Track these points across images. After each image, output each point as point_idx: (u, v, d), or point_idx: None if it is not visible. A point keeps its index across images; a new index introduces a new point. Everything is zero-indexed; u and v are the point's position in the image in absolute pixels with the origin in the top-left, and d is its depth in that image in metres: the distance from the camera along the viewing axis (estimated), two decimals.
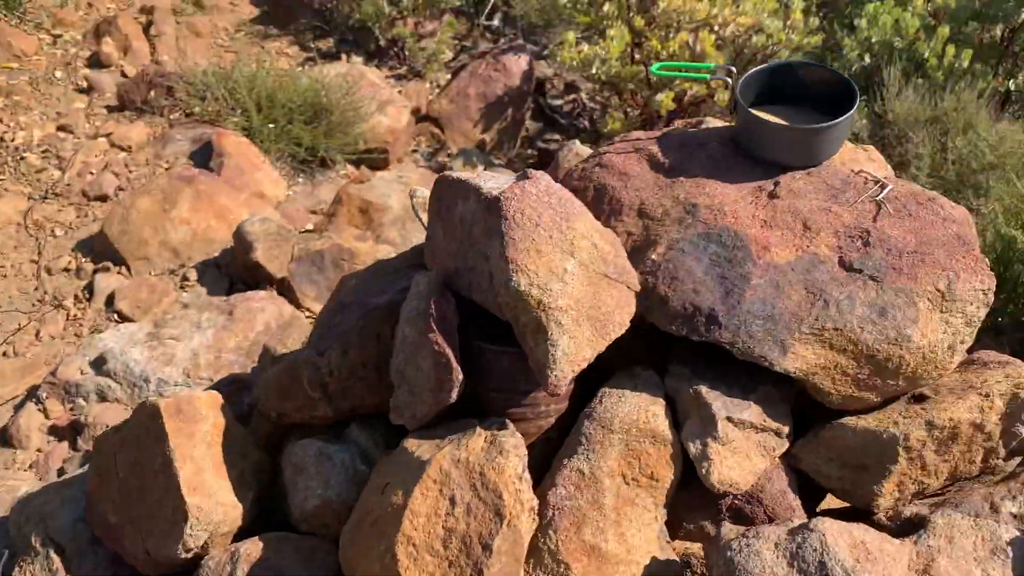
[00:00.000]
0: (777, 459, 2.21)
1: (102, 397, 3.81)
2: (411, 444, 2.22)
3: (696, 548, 2.21)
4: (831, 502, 2.44)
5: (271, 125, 6.10)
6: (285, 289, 4.48)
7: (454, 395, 2.18)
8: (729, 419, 2.12)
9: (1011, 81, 6.13)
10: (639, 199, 2.47)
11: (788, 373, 2.12)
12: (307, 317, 4.40)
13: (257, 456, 2.66)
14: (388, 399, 2.46)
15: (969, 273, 2.17)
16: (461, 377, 2.17)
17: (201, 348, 3.93)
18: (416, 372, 2.25)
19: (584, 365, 2.10)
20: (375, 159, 6.67)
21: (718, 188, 2.42)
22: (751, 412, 2.15)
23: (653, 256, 2.29)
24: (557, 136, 8.19)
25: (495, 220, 2.12)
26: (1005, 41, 6.24)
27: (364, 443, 2.50)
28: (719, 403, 2.13)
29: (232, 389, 3.80)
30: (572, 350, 2.07)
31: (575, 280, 2.11)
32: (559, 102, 8.29)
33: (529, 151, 7.91)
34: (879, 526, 2.17)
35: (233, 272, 4.76)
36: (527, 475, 2.08)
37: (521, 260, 2.07)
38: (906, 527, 2.12)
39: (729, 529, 1.97)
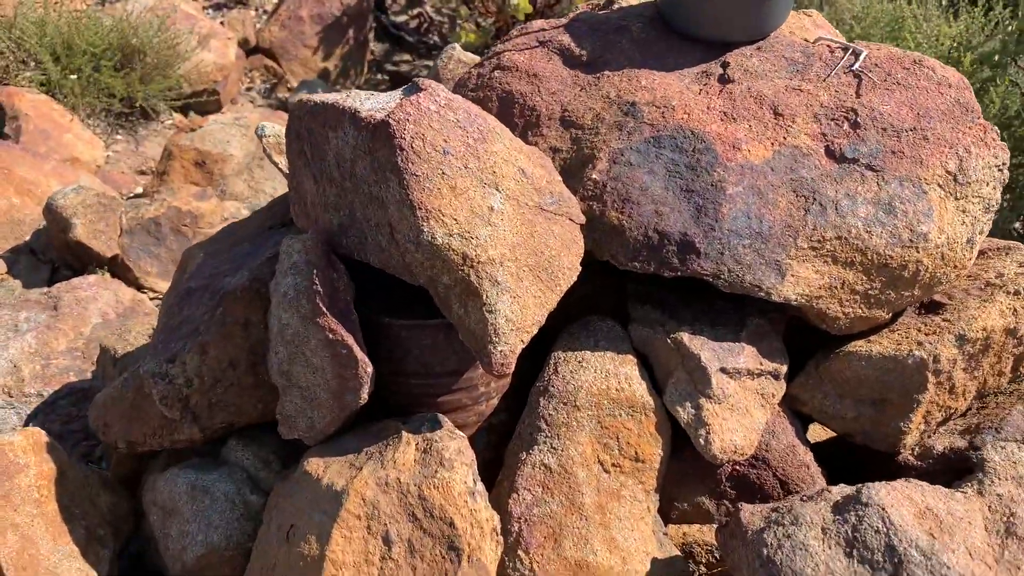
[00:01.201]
0: (776, 406, 1.79)
1: None
2: (314, 466, 1.66)
3: (695, 532, 1.78)
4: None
5: (74, 76, 5.17)
6: (120, 269, 3.73)
7: (364, 395, 1.63)
8: (723, 370, 1.67)
9: None
10: (559, 105, 1.93)
11: (788, 302, 1.67)
12: (153, 299, 3.68)
13: (109, 499, 2.04)
14: (274, 404, 1.88)
15: (980, 147, 1.76)
16: (371, 370, 1.62)
17: (22, 356, 3.18)
18: (307, 371, 1.68)
19: (535, 330, 1.59)
20: (205, 103, 5.82)
21: (655, 79, 1.91)
22: (746, 356, 1.70)
23: (594, 175, 1.77)
24: (407, 56, 7.49)
25: (386, 152, 1.55)
26: None
27: (250, 465, 1.92)
28: (708, 352, 1.67)
29: (71, 401, 3.11)
30: (517, 313, 1.55)
31: (506, 220, 1.58)
32: (403, 18, 7.57)
33: (379, 76, 7.19)
34: (906, 468, 1.79)
35: (53, 257, 3.96)
36: (480, 487, 1.57)
37: (432, 203, 1.52)
38: (940, 465, 1.74)
39: (750, 513, 1.53)
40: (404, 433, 1.61)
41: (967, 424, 1.80)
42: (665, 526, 1.77)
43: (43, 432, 1.97)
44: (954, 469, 1.74)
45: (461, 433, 1.64)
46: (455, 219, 1.52)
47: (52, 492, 1.90)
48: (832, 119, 1.78)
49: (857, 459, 1.92)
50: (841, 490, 1.51)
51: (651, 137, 1.79)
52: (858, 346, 1.76)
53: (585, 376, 1.68)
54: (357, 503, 1.52)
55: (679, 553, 1.70)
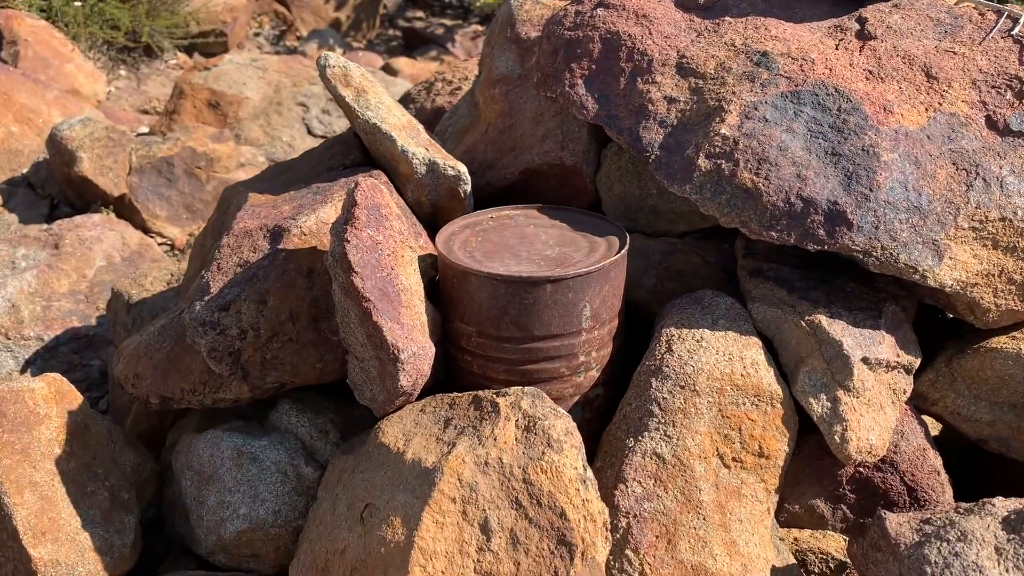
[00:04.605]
0: (905, 405, 1.60)
1: None
2: (392, 438, 1.45)
3: (807, 538, 1.59)
4: None
5: (77, 3, 4.86)
6: (126, 209, 3.47)
7: (404, 386, 1.43)
8: (864, 360, 1.47)
9: None
10: (675, 50, 1.72)
11: (943, 288, 1.48)
12: (161, 244, 3.43)
13: (134, 459, 1.81)
14: (333, 365, 1.67)
15: None
16: (415, 355, 1.42)
17: (21, 296, 2.92)
18: (356, 344, 1.48)
19: None
20: (211, 44, 5.53)
21: (785, 29, 1.71)
22: (886, 346, 1.51)
23: (723, 130, 1.57)
24: (420, 13, 7.20)
25: None
26: None
27: (305, 433, 1.70)
28: (850, 338, 1.47)
29: (73, 348, 2.86)
30: None
31: None
32: None
33: (391, 31, 6.90)
34: None
35: (53, 192, 3.68)
36: (591, 474, 1.37)
37: None
38: None
39: (898, 524, 1.34)
40: (502, 407, 1.41)
41: None
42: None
43: (64, 379, 1.74)
44: None
45: (565, 412, 1.43)
46: None
47: (74, 448, 1.67)
48: (993, 87, 1.58)
49: (976, 464, 1.74)
50: (1007, 504, 1.33)
51: (788, 92, 1.58)
52: (1002, 343, 1.58)
53: (705, 358, 1.48)
54: (452, 484, 1.31)
55: (795, 562, 1.51)
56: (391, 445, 1.43)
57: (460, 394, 1.49)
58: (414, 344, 1.42)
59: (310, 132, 4.12)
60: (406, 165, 1.80)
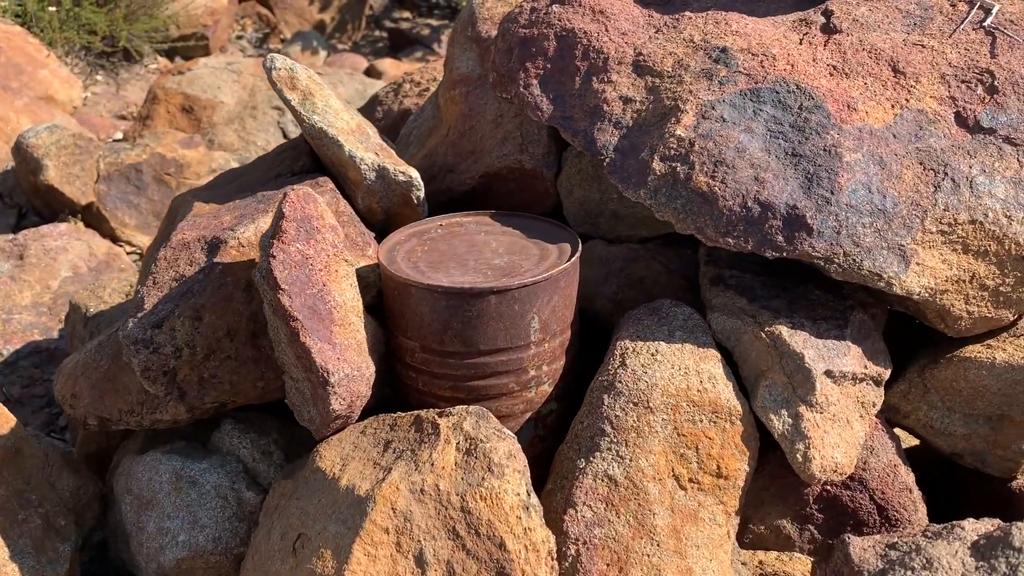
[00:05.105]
0: (875, 418, 1.52)
1: None
2: (329, 462, 1.37)
3: (773, 560, 1.51)
4: None
5: (52, 8, 4.79)
6: (94, 218, 3.39)
7: (337, 408, 1.34)
8: (828, 373, 1.39)
9: None
10: (632, 48, 1.63)
11: (910, 295, 1.40)
12: (130, 253, 3.35)
13: (73, 482, 1.73)
14: (275, 384, 1.59)
15: None
16: (358, 387, 1.34)
17: None
18: (291, 364, 1.40)
19: None
20: (192, 48, 5.45)
21: (747, 24, 1.63)
22: (852, 357, 1.43)
23: (678, 131, 1.48)
24: (406, 14, 7.12)
25: None
26: None
27: (247, 455, 1.62)
28: (812, 350, 1.39)
29: (34, 362, 2.78)
30: None
31: None
32: None
33: (377, 32, 6.81)
34: (1018, 496, 1.53)
35: (21, 201, 3.60)
36: (535, 500, 1.29)
37: None
38: None
39: (861, 549, 1.26)
40: (442, 428, 1.32)
41: None
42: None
43: None
44: None
45: (510, 433, 1.35)
46: None
47: (4, 473, 1.59)
48: (963, 81, 1.50)
49: (951, 479, 1.66)
50: (977, 527, 1.25)
51: (748, 89, 1.50)
52: (976, 352, 1.49)
53: (660, 372, 1.40)
54: (385, 513, 1.23)
55: None
56: (327, 470, 1.35)
57: (402, 414, 1.41)
58: (347, 365, 1.34)
59: (286, 136, 4.04)
60: (355, 171, 1.73)
